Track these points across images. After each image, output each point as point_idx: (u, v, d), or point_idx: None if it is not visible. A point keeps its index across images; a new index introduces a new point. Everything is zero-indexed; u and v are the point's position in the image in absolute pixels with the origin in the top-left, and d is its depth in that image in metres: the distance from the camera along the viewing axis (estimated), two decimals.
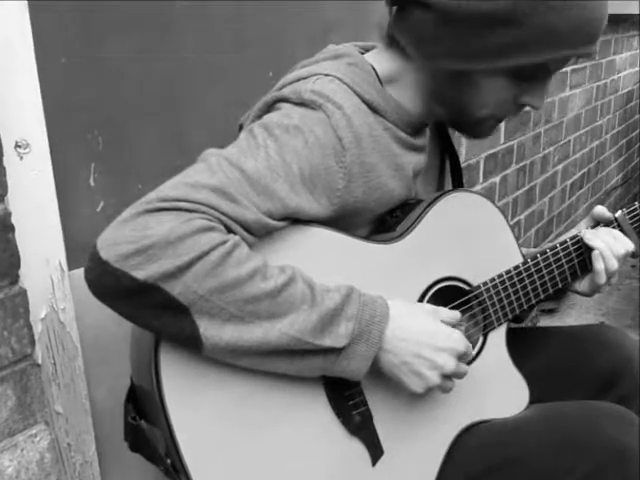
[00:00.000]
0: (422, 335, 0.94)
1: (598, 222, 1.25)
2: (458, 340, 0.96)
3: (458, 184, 1.29)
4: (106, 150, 1.21)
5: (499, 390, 1.14)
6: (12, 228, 0.97)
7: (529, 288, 1.17)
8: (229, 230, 0.86)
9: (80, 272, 1.08)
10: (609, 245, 1.17)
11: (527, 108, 1.07)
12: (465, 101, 1.03)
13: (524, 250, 1.23)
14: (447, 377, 0.97)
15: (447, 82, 1.02)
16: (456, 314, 1.01)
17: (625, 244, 1.18)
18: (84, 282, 0.83)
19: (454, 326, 0.99)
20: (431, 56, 1.00)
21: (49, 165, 1.07)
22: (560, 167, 3.47)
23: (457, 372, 0.97)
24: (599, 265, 1.16)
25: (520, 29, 0.93)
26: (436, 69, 1.01)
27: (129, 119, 1.24)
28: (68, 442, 1.15)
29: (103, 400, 1.23)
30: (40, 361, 1.07)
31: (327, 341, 0.88)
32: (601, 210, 1.24)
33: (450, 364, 0.95)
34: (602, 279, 1.17)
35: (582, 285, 1.23)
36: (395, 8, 1.04)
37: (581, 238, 1.19)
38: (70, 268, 1.13)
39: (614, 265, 1.16)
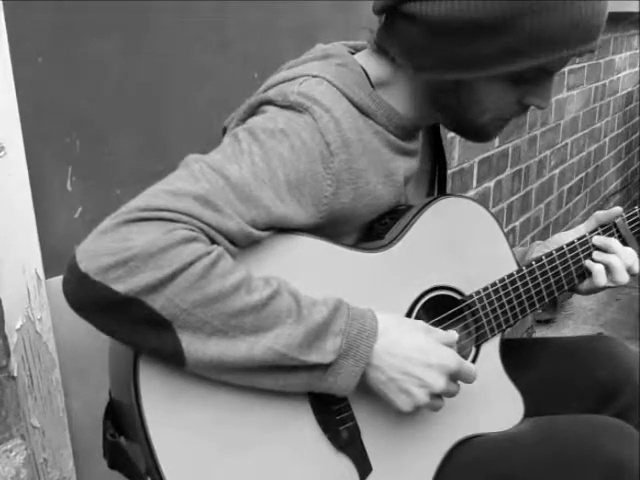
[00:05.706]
0: (411, 351, 0.92)
1: (596, 227, 1.23)
2: (450, 357, 0.94)
3: (440, 191, 1.26)
4: (84, 154, 1.19)
5: (493, 403, 1.12)
6: None
7: (524, 297, 1.14)
8: (212, 240, 0.84)
9: (57, 280, 1.06)
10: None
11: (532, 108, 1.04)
12: (464, 107, 1.01)
13: (517, 249, 1.21)
14: (437, 396, 0.94)
15: (443, 90, 1.00)
16: (453, 335, 0.97)
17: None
18: (61, 291, 0.81)
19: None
20: (422, 68, 0.98)
21: (25, 169, 1.05)
22: (557, 172, 3.45)
23: (447, 391, 0.94)
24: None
25: (510, 35, 0.90)
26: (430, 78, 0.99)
27: (108, 121, 1.22)
28: (45, 457, 1.14)
29: (81, 414, 1.21)
30: (15, 373, 1.05)
31: (313, 357, 0.86)
32: (601, 214, 1.22)
33: (440, 383, 0.92)
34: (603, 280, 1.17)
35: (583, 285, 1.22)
36: (383, 17, 1.02)
37: (578, 245, 1.18)
38: (47, 276, 1.11)
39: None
